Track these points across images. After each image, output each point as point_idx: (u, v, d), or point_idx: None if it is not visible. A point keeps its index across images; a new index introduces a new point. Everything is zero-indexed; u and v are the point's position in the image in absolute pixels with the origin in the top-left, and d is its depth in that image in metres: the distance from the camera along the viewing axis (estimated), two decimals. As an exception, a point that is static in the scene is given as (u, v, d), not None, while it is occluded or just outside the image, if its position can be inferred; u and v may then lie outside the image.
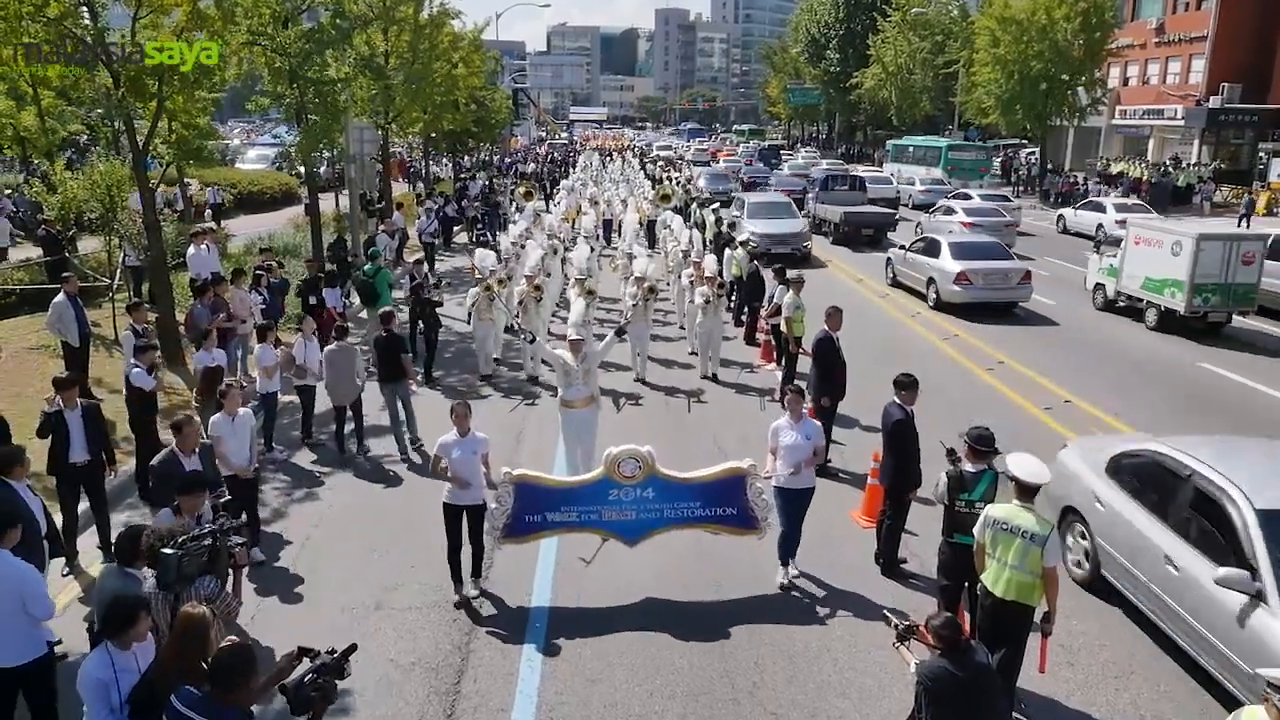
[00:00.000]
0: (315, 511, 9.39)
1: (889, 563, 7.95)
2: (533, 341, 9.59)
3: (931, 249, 19.65)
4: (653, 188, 32.71)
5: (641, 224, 24.93)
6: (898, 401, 7.72)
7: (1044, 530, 5.53)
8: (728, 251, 18.00)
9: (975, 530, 5.88)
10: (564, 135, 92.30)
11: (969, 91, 46.68)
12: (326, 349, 10.90)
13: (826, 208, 29.27)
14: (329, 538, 8.80)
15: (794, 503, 7.60)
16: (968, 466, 6.32)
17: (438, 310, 13.88)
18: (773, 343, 14.56)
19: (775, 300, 13.76)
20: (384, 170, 27.44)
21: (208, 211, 24.69)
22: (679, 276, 16.20)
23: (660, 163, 52.66)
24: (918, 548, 8.38)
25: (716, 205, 23.68)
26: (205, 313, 12.08)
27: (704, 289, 13.62)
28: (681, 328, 16.41)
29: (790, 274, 13.11)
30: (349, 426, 11.11)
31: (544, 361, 12.16)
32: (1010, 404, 13.01)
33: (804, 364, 12.70)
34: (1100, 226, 24.41)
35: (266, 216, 29.82)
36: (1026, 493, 5.64)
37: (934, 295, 18.92)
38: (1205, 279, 16.35)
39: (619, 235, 24.71)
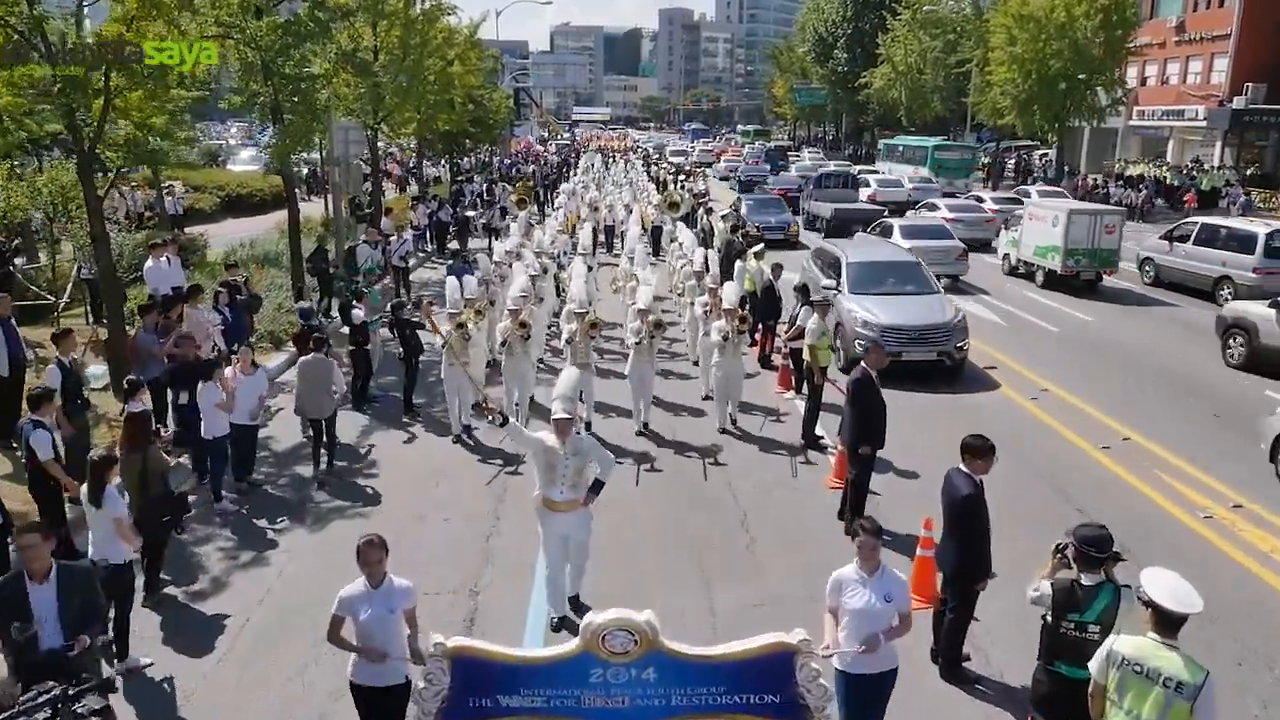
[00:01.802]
0: (262, 581, 7.96)
1: (950, 663, 6.49)
2: (504, 424, 7.24)
3: (886, 231, 22.29)
4: (658, 191, 31.27)
5: (645, 229, 23.46)
6: (965, 470, 6.18)
7: (1196, 678, 4.08)
8: (739, 263, 16.54)
9: (1093, 667, 4.43)
10: (566, 135, 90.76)
11: (983, 92, 45.25)
12: (300, 359, 10.23)
13: (819, 204, 30.58)
14: (275, 619, 7.36)
15: (866, 694, 5.24)
16: (1082, 577, 4.84)
17: (419, 332, 12.33)
18: (791, 368, 13.13)
19: (799, 322, 12.33)
20: (373, 173, 26.03)
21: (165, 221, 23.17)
22: (691, 303, 14.04)
23: (668, 167, 48.03)
24: (981, 637, 6.93)
25: (760, 247, 16.92)
26: (152, 338, 10.68)
27: (722, 324, 11.24)
28: (695, 363, 14.06)
29: (815, 295, 11.60)
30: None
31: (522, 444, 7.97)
32: (1054, 434, 11.59)
33: (830, 392, 11.35)
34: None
35: (255, 220, 28.41)
36: (1169, 625, 4.18)
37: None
38: (1075, 245, 20.25)
39: (621, 243, 22.58)
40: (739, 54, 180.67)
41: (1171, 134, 46.17)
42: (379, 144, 30.63)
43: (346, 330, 12.86)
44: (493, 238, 24.23)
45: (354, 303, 12.99)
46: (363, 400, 12.45)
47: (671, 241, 19.36)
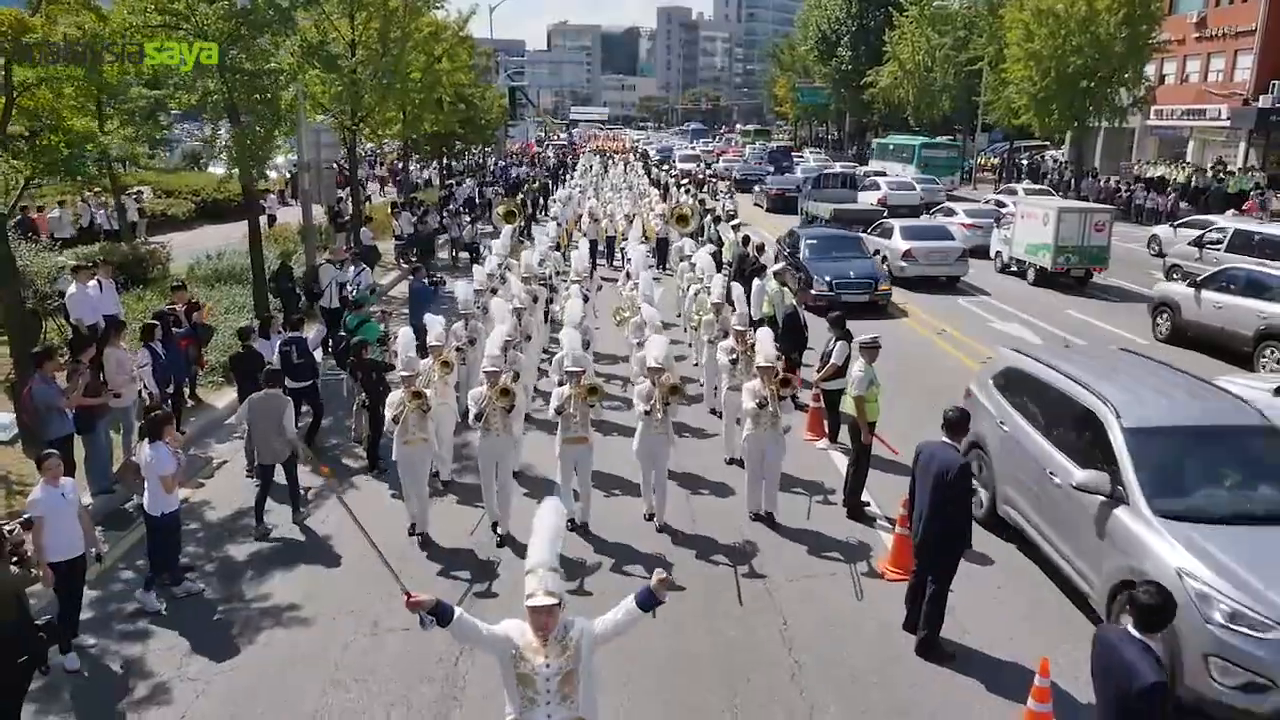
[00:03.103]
0: (176, 709, 6.05)
1: None
2: (447, 623, 4.05)
3: (886, 232, 22.15)
4: (661, 197, 29.31)
5: (647, 237, 21.54)
6: (1140, 638, 4.28)
7: None
8: (756, 282, 14.53)
9: None
10: (564, 135, 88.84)
11: (996, 90, 43.39)
12: (250, 396, 9.01)
13: (817, 205, 29.98)
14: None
15: None
16: None
17: (386, 376, 10.33)
18: (824, 410, 11.15)
19: (834, 360, 10.44)
20: (352, 177, 24.13)
21: (101, 238, 21.25)
22: (710, 340, 11.57)
23: (674, 173, 42.93)
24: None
25: (782, 266, 15.30)
26: (53, 389, 8.75)
27: (756, 385, 8.41)
28: (713, 411, 11.63)
29: (863, 336, 9.55)
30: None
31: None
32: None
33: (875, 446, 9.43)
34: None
35: (235, 227, 26.45)
36: None
37: (887, 271, 20.61)
38: (1065, 242, 20.27)
39: (623, 257, 19.83)
40: (737, 53, 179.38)
41: (1191, 134, 44.40)
42: (365, 145, 28.83)
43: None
44: (475, 256, 22.10)
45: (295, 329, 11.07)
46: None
47: (681, 260, 16.61)
